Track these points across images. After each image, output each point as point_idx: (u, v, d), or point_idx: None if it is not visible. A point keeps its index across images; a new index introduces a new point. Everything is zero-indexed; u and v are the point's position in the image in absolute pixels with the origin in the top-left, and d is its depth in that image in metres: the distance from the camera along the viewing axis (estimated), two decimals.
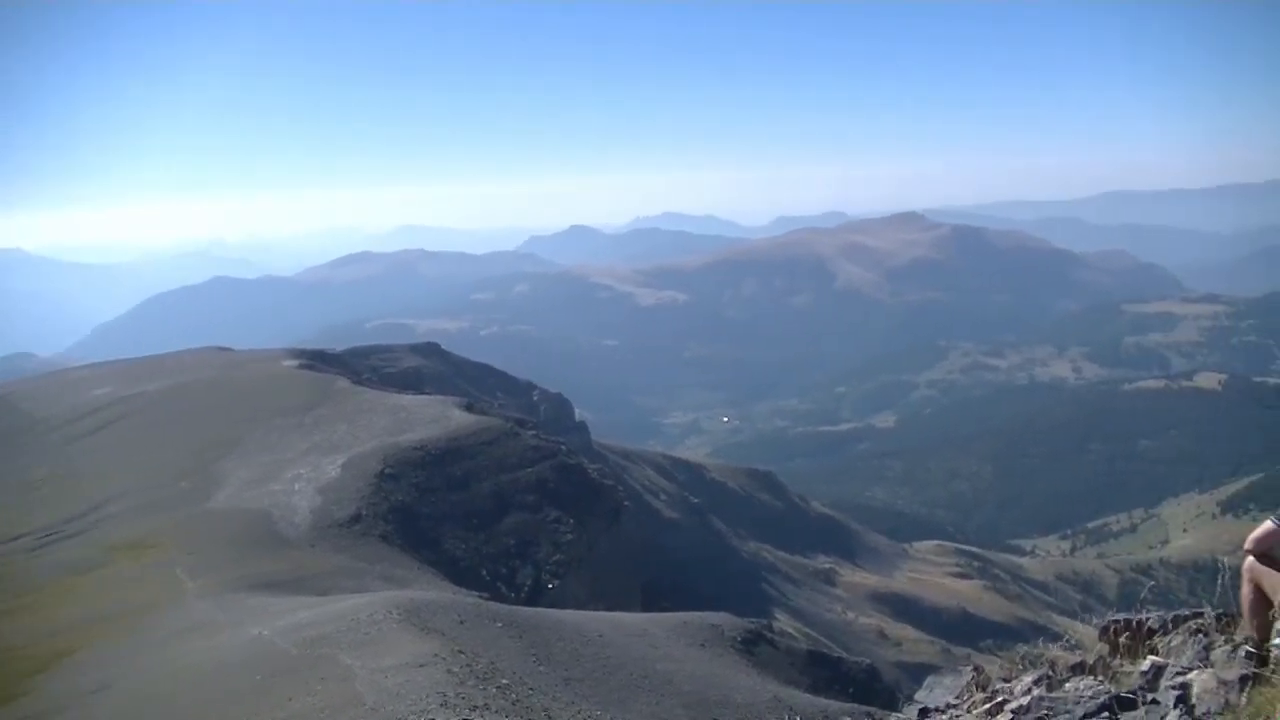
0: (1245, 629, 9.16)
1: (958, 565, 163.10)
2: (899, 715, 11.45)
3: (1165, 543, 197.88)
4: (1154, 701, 8.37)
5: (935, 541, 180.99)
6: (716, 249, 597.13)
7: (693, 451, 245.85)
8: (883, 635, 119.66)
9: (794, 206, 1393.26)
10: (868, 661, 74.17)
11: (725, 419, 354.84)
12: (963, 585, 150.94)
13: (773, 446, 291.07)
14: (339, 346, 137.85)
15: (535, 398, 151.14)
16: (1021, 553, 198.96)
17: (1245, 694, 7.74)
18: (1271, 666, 8.15)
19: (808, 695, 47.79)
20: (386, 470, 66.92)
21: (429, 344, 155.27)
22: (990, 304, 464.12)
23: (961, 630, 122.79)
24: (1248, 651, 8.78)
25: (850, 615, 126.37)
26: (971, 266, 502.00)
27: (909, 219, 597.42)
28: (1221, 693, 7.91)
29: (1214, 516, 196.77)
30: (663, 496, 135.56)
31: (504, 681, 29.77)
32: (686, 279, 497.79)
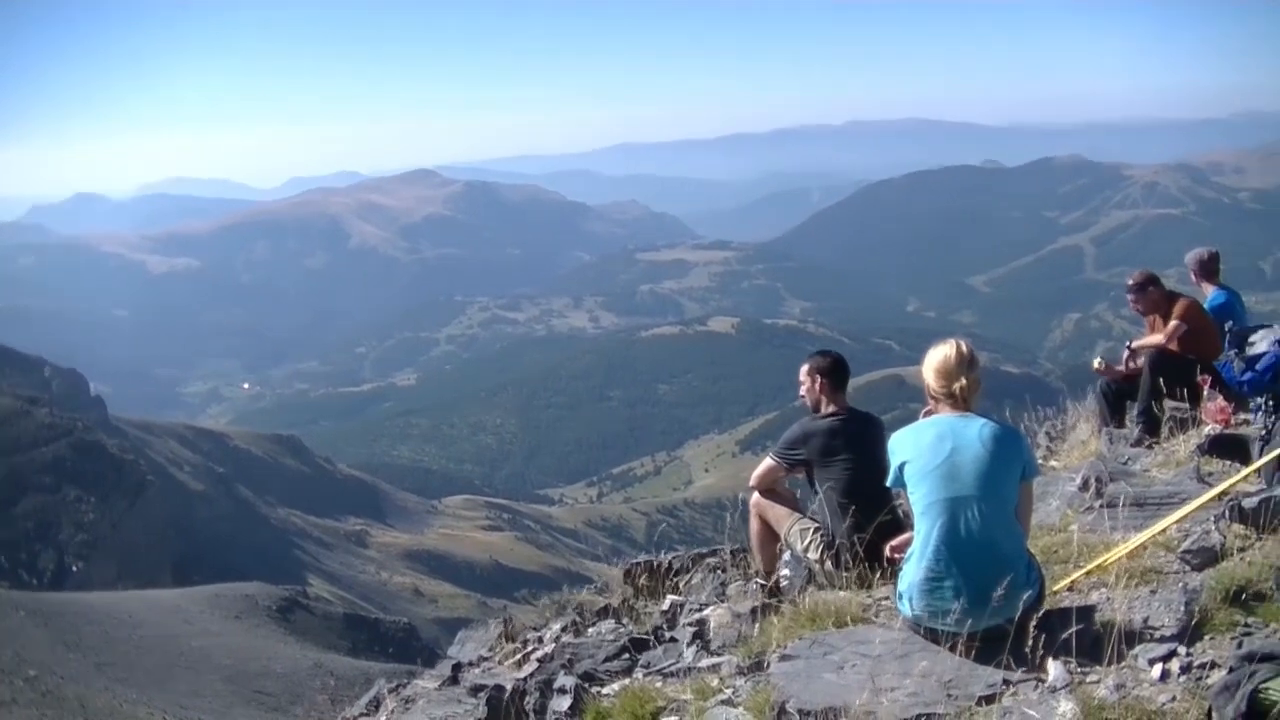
0: (756, 562, 9.60)
1: (488, 518, 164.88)
2: (432, 672, 11.39)
3: (689, 483, 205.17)
4: (672, 639, 8.53)
5: (464, 496, 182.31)
6: (229, 213, 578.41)
7: (215, 420, 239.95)
8: (418, 593, 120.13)
9: (307, 167, 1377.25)
10: (405, 620, 74.92)
11: (246, 385, 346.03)
12: (494, 538, 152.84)
13: (295, 411, 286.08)
14: None
15: (47, 374, 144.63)
16: (550, 502, 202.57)
17: (757, 625, 7.96)
18: (780, 597, 8.51)
19: (348, 658, 47.84)
20: None
21: None
22: (506, 258, 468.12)
23: (496, 582, 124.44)
24: (759, 584, 9.18)
25: (385, 575, 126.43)
26: (485, 221, 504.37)
27: (422, 176, 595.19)
28: (736, 625, 8.14)
29: (734, 455, 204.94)
30: (187, 469, 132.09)
31: (32, 673, 28.55)
32: (199, 244, 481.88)
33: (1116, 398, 12.99)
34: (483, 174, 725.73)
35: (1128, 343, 13.22)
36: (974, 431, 6.39)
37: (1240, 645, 5.60)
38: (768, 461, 9.15)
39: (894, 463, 6.62)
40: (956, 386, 6.52)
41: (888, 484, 6.79)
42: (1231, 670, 5.16)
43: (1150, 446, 11.89)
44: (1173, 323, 12.42)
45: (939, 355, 6.65)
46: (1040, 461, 12.31)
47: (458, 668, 10.58)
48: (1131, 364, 12.98)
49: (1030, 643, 5.85)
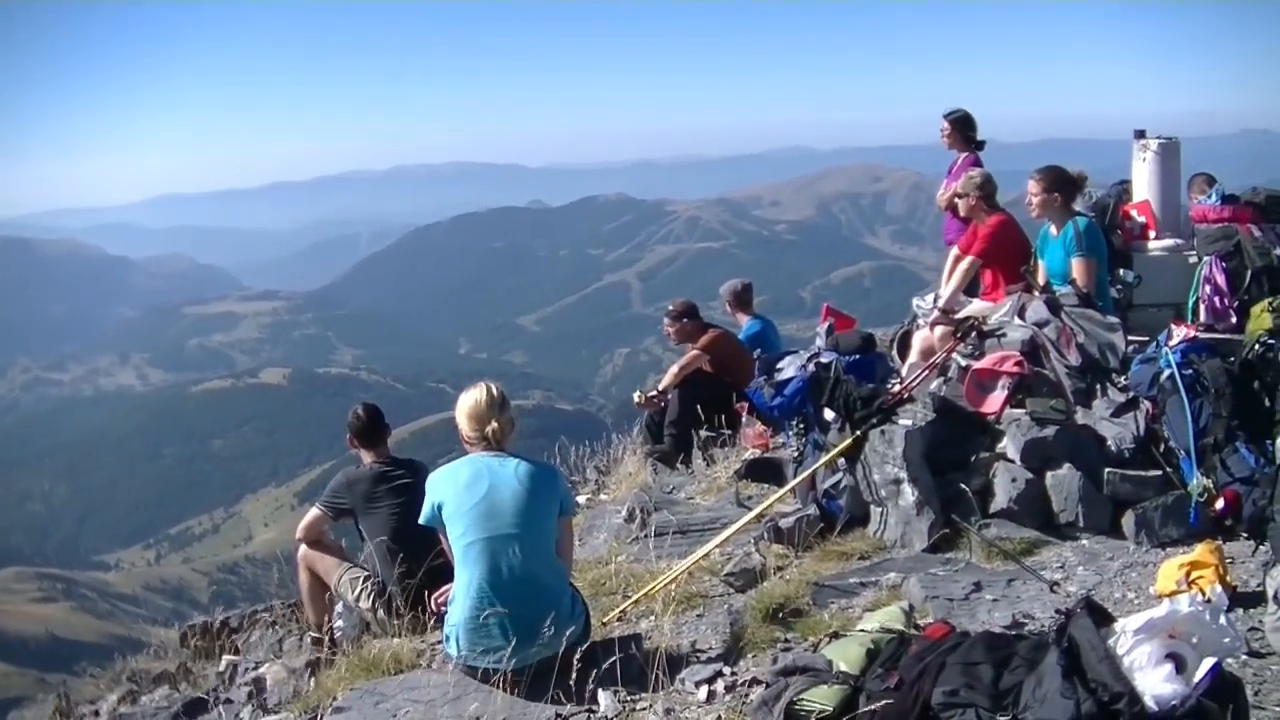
0: (309, 615, 9.65)
1: (41, 590, 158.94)
2: None
3: (249, 539, 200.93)
4: (228, 700, 8.39)
5: (14, 568, 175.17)
6: None
7: None
8: None
9: None
10: None
11: None
12: (49, 610, 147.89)
13: None
14: None
15: None
16: (106, 568, 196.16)
17: (313, 679, 8.03)
18: (335, 649, 8.73)
19: None
20: None
21: None
22: (47, 316, 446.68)
23: (54, 657, 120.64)
24: (313, 638, 9.25)
25: None
26: (23, 279, 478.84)
27: None
28: (291, 681, 8.17)
29: (292, 508, 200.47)
30: None
31: None
32: None
33: (660, 429, 13.11)
34: (18, 228, 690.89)
35: (655, 388, 13.44)
36: (510, 470, 6.54)
37: (776, 660, 6.02)
38: (314, 511, 9.32)
39: (430, 502, 6.66)
40: (489, 429, 6.64)
41: (421, 522, 6.77)
42: (769, 685, 5.48)
43: (686, 464, 12.26)
44: (692, 353, 12.95)
45: (470, 400, 6.74)
46: (590, 495, 13.02)
47: None
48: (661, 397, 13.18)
49: (580, 675, 6.05)
